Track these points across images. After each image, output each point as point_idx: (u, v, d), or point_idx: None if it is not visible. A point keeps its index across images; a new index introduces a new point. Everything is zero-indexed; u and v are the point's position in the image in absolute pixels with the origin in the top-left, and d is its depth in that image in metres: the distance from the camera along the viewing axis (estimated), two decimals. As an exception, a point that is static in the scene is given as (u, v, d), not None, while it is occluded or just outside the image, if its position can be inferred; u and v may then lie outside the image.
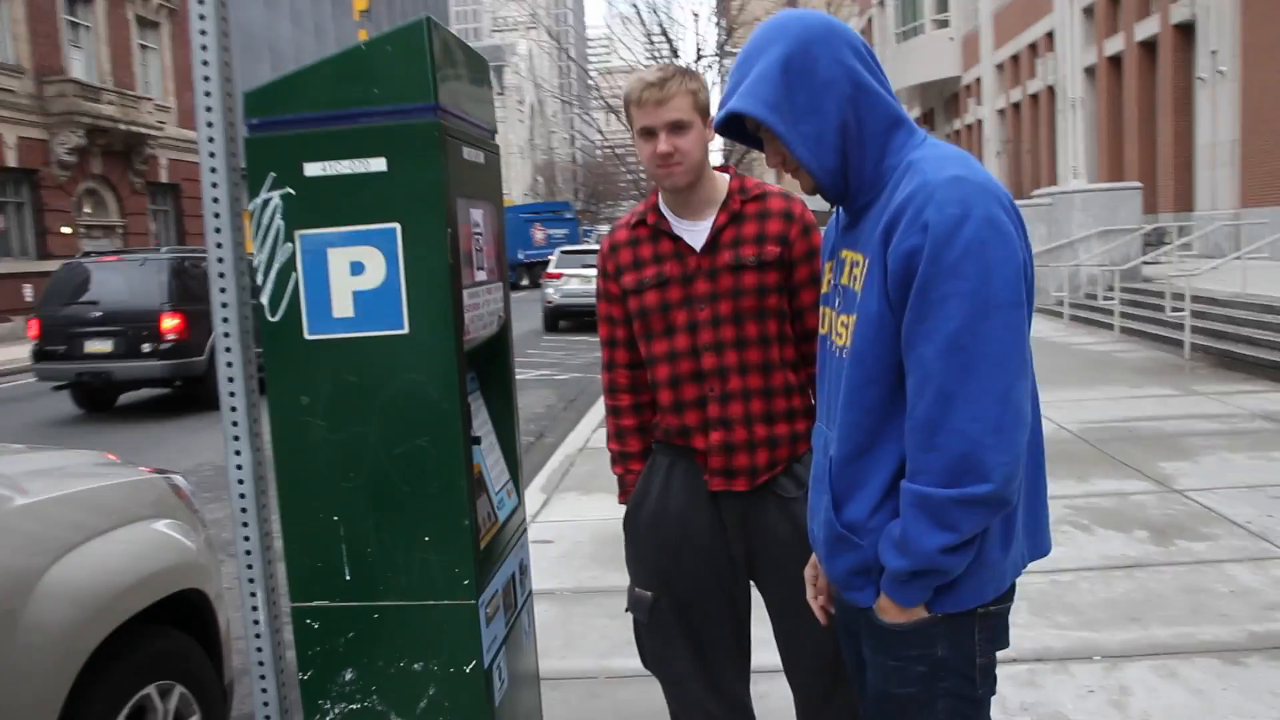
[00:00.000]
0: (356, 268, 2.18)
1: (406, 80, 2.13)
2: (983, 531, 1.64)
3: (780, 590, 2.51)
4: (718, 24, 11.45)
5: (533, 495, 7.01)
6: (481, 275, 2.45)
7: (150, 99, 30.61)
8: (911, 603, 1.68)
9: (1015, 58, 34.04)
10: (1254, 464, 6.84)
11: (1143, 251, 17.77)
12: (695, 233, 2.48)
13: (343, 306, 2.19)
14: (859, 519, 1.73)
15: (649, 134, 2.37)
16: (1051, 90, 28.85)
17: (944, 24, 40.78)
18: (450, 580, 2.22)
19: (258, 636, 2.38)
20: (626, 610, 2.67)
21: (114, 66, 29.31)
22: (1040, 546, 1.83)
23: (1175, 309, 12.80)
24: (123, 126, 28.18)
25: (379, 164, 2.14)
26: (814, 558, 2.00)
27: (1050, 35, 28.58)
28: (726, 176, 2.55)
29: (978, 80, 38.61)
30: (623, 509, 2.70)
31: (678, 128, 2.36)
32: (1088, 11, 26.16)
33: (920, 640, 1.71)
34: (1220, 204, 21.27)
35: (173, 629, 2.93)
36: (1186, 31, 23.08)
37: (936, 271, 1.56)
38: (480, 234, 2.43)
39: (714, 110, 2.04)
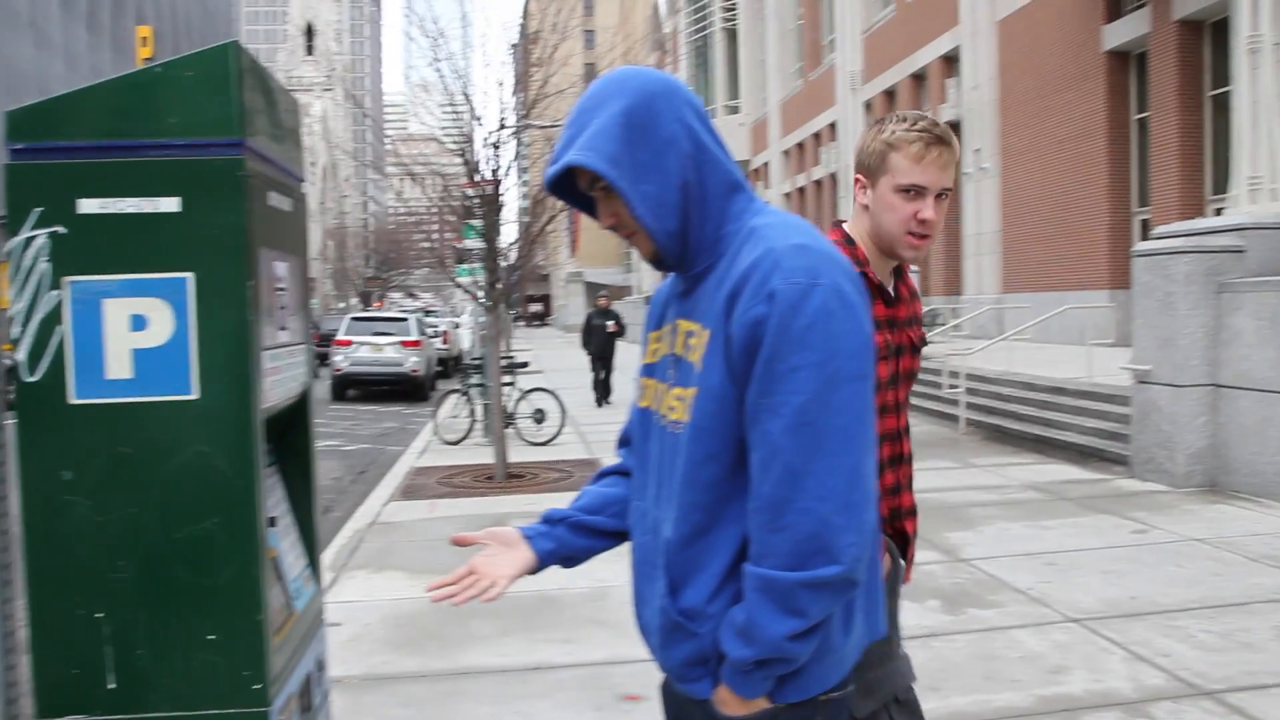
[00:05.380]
0: (138, 322, 1.89)
1: (208, 110, 1.88)
2: (827, 615, 1.55)
3: None
4: (517, 96, 11.49)
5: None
6: (284, 336, 2.18)
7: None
8: (754, 694, 1.58)
9: (801, 145, 35.95)
10: (1029, 533, 7.24)
11: (919, 331, 18.80)
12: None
13: (119, 367, 1.89)
14: (697, 605, 1.61)
15: (917, 193, 2.12)
16: (834, 177, 30.53)
17: (735, 110, 42.73)
18: (238, 685, 1.92)
19: (-6, 757, 1.98)
20: None
21: None
22: (877, 627, 1.76)
23: (951, 385, 13.58)
24: None
25: (171, 204, 1.88)
26: None
27: (833, 126, 30.33)
28: None
29: (766, 164, 40.52)
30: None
31: (944, 196, 2.16)
32: (867, 106, 27.94)
33: None
34: (985, 289, 22.93)
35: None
36: (954, 130, 24.94)
37: (783, 342, 1.48)
38: (284, 290, 2.17)
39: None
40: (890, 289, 2.25)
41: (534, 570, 1.85)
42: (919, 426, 13.39)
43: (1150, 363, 9.04)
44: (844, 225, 2.26)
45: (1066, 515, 7.80)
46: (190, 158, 1.89)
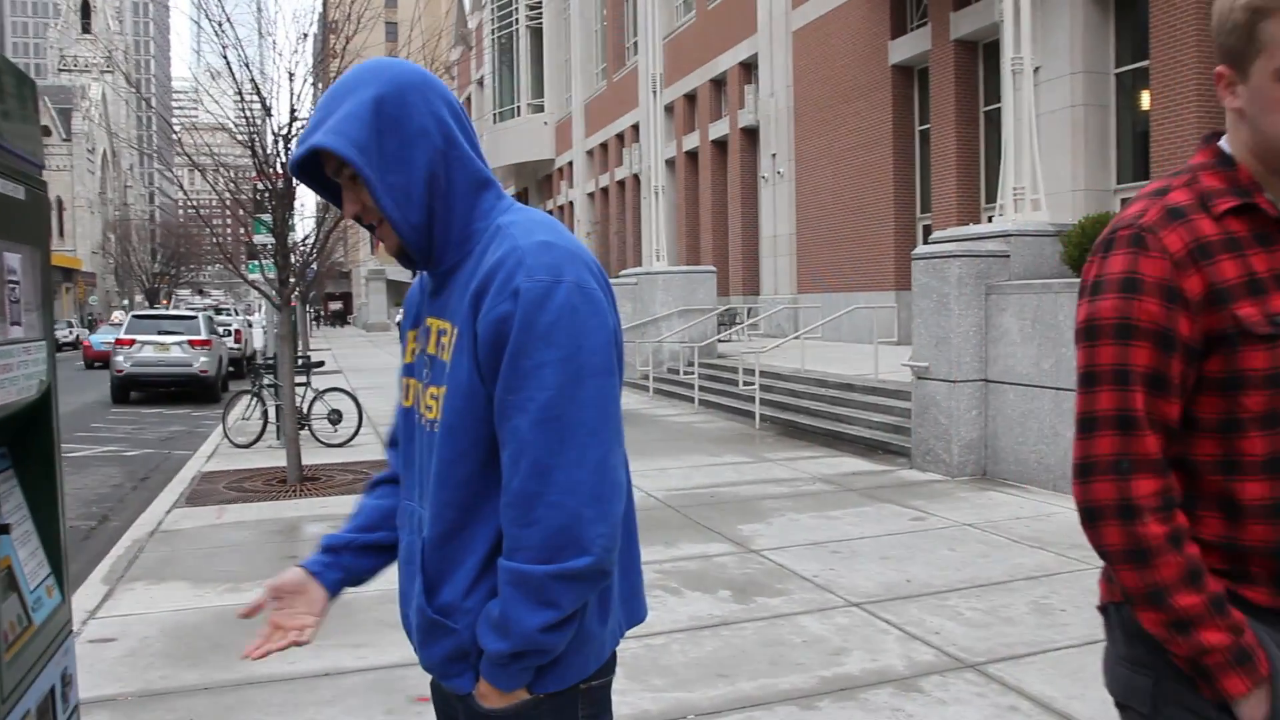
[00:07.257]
0: None
1: (-85, 87, 1.72)
2: (582, 605, 1.58)
3: None
4: (314, 86, 11.09)
5: (92, 588, 6.20)
6: (17, 331, 2.02)
7: None
8: (512, 686, 1.59)
9: (604, 145, 36.34)
10: (817, 523, 7.54)
11: (718, 330, 19.36)
12: None
13: None
14: (453, 601, 1.62)
15: None
16: (637, 178, 31.00)
17: (539, 109, 42.76)
18: (-38, 706, 1.78)
19: None
20: None
21: None
22: (637, 613, 1.80)
23: (747, 383, 14.02)
24: None
25: (-128, 188, 1.70)
26: None
27: (636, 128, 30.79)
28: None
29: (570, 164, 40.75)
30: None
31: None
32: (669, 109, 28.49)
33: None
34: (781, 289, 23.80)
35: None
36: (752, 135, 25.82)
37: (528, 339, 1.50)
38: (16, 283, 2.01)
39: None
40: None
41: (331, 599, 1.84)
42: (714, 423, 13.74)
43: (928, 359, 9.60)
44: (1219, 142, 1.61)
45: (852, 505, 8.17)
46: (-104, 137, 1.72)
